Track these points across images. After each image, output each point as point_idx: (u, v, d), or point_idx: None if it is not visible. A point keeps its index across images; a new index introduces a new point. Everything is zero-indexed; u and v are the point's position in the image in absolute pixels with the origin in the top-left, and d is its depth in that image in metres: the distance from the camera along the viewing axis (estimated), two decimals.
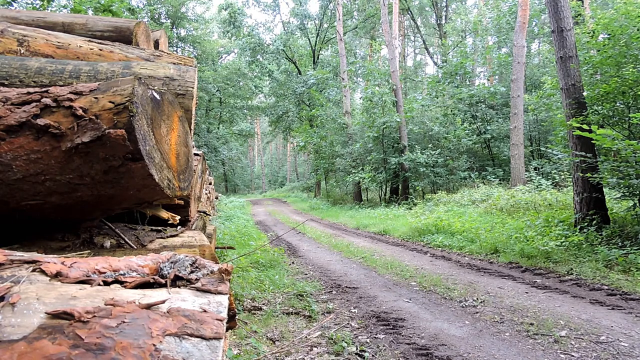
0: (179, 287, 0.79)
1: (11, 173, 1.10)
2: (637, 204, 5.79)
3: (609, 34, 6.49)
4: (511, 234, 6.91)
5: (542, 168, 12.85)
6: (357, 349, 3.10)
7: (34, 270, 0.72)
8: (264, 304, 4.24)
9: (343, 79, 20.08)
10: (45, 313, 0.62)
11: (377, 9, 23.76)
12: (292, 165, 44.87)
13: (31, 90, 1.16)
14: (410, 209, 12.72)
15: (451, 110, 17.08)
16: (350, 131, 19.14)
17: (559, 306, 3.89)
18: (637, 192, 5.66)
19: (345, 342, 3.19)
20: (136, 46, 2.32)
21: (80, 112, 1.08)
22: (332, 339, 3.28)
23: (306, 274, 5.83)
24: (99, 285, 0.73)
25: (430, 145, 15.46)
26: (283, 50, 27.06)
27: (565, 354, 2.87)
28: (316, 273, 5.90)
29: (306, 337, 3.36)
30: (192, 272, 0.83)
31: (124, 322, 0.63)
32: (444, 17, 27.75)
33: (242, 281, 4.88)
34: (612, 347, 2.94)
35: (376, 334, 3.42)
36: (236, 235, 8.78)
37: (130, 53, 2.03)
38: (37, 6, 6.63)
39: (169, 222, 1.87)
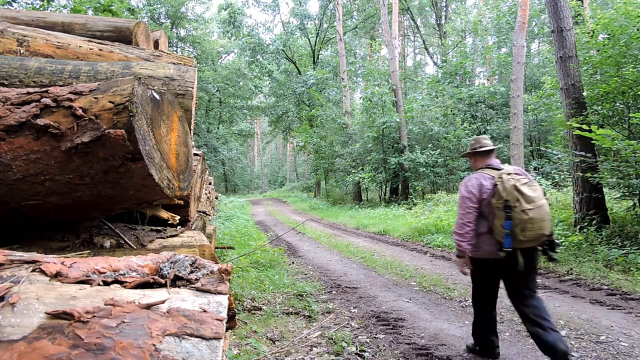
0: (178, 287, 0.79)
1: (11, 173, 1.10)
2: (637, 204, 5.79)
3: (608, 34, 6.49)
4: None
5: (542, 168, 12.84)
6: (357, 349, 3.10)
7: (33, 271, 0.72)
8: (263, 304, 4.24)
9: (343, 79, 20.08)
10: (45, 313, 0.61)
11: (376, 9, 23.74)
12: (292, 165, 44.85)
13: (31, 90, 1.16)
14: (410, 209, 12.71)
15: (451, 110, 17.06)
16: (350, 131, 19.14)
17: (558, 306, 3.89)
18: (637, 192, 5.66)
19: (345, 342, 3.19)
20: (136, 46, 2.32)
21: (80, 112, 1.08)
22: (332, 339, 3.28)
23: (306, 274, 5.83)
24: (99, 285, 0.73)
25: (430, 145, 15.45)
26: (283, 50, 27.05)
27: None
28: (316, 273, 5.90)
29: (306, 337, 3.36)
30: (192, 272, 0.83)
31: (123, 322, 0.63)
32: (443, 17, 27.74)
33: (242, 281, 4.88)
34: (612, 347, 2.94)
35: (376, 334, 3.42)
36: (236, 235, 8.78)
37: (130, 53, 2.03)
38: (37, 6, 6.62)
39: (169, 222, 1.87)
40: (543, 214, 2.51)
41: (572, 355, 2.70)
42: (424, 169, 14.55)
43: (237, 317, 2.86)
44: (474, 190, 2.68)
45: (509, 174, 2.62)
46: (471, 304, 3.05)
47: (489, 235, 2.68)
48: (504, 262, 2.62)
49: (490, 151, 2.83)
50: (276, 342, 3.29)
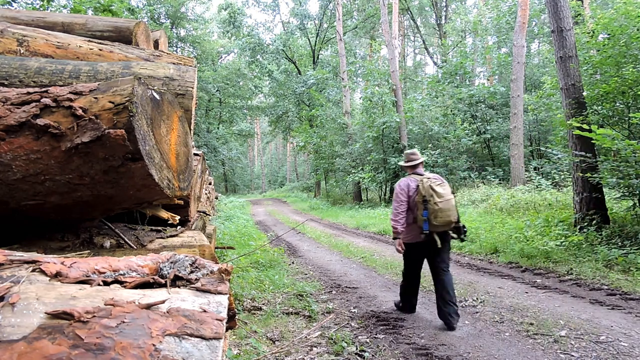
0: (178, 287, 0.79)
1: (11, 173, 1.10)
2: (637, 204, 5.79)
3: (608, 34, 6.49)
4: (511, 234, 6.91)
5: (542, 168, 12.83)
6: (357, 349, 3.10)
7: (33, 270, 0.72)
8: (263, 304, 4.24)
9: (343, 79, 20.07)
10: (45, 313, 0.61)
11: (376, 9, 23.74)
12: (292, 165, 44.84)
13: (31, 90, 1.16)
14: None
15: (451, 110, 17.05)
16: (350, 131, 19.13)
17: (558, 306, 3.89)
18: (637, 192, 5.66)
19: (345, 342, 3.19)
20: (136, 46, 2.32)
21: (80, 112, 1.08)
22: (332, 339, 3.28)
23: (306, 274, 5.83)
24: (99, 285, 0.73)
25: (430, 145, 15.44)
26: (283, 50, 27.04)
27: (565, 353, 2.87)
28: (316, 273, 5.90)
29: (306, 337, 3.36)
30: (191, 272, 0.83)
31: (123, 322, 0.63)
32: (443, 17, 27.73)
33: (242, 281, 4.88)
34: (611, 347, 2.94)
35: (376, 334, 3.42)
36: (236, 235, 8.78)
37: (130, 53, 2.03)
38: (37, 6, 6.62)
39: (169, 222, 1.87)
40: (449, 206, 3.49)
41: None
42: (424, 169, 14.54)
43: (237, 317, 2.85)
44: (404, 188, 3.67)
45: (428, 178, 3.61)
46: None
47: (414, 225, 3.62)
48: (426, 244, 3.59)
49: (418, 164, 3.80)
50: (276, 342, 3.29)
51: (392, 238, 3.80)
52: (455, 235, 3.63)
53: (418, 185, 3.59)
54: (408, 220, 3.66)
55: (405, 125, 16.17)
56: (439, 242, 3.50)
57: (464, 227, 3.62)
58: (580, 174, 6.17)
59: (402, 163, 3.97)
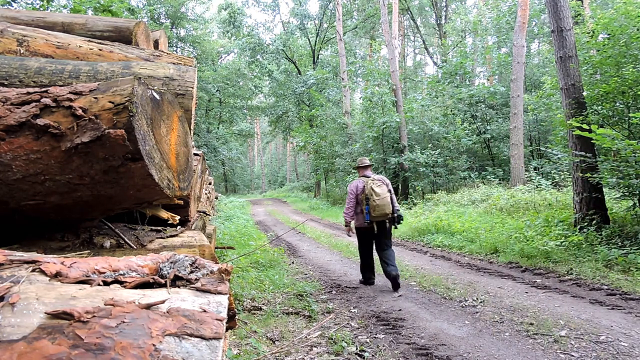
0: (178, 287, 0.79)
1: (11, 173, 1.10)
2: (637, 204, 5.79)
3: (608, 34, 6.49)
4: (511, 234, 6.91)
5: (542, 168, 12.83)
6: (357, 348, 3.10)
7: (33, 271, 0.72)
8: (263, 304, 4.24)
9: (343, 79, 20.07)
10: (45, 313, 0.61)
11: (376, 9, 23.74)
12: (292, 165, 44.83)
13: (31, 90, 1.16)
14: (410, 208, 12.71)
15: (451, 110, 17.04)
16: (350, 131, 19.12)
17: (558, 306, 3.89)
18: (637, 192, 5.66)
19: (345, 342, 3.19)
20: (136, 46, 2.32)
21: (80, 112, 1.08)
22: (332, 339, 3.28)
23: (306, 274, 5.83)
24: (99, 285, 0.73)
25: (430, 145, 15.43)
26: (283, 50, 27.03)
27: (565, 353, 2.87)
28: (316, 273, 5.91)
29: (306, 337, 3.36)
30: (191, 272, 0.83)
31: (123, 322, 0.63)
32: (443, 17, 27.73)
33: (242, 281, 4.88)
34: (611, 347, 2.94)
35: (376, 334, 3.42)
36: (236, 235, 8.78)
37: (130, 53, 2.03)
38: (37, 6, 6.62)
39: (169, 222, 1.87)
40: (385, 202, 4.64)
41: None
42: (424, 168, 14.54)
43: (237, 317, 2.85)
44: (354, 188, 4.86)
45: (373, 180, 4.77)
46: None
47: (361, 214, 4.81)
48: (369, 229, 4.80)
49: (367, 166, 4.95)
50: (276, 342, 3.29)
51: (344, 225, 5.02)
52: (392, 223, 4.80)
53: (364, 186, 4.75)
54: (357, 211, 4.86)
55: (405, 125, 16.16)
56: (376, 228, 4.74)
57: (399, 217, 4.77)
58: (580, 174, 6.17)
59: (355, 164, 5.11)
